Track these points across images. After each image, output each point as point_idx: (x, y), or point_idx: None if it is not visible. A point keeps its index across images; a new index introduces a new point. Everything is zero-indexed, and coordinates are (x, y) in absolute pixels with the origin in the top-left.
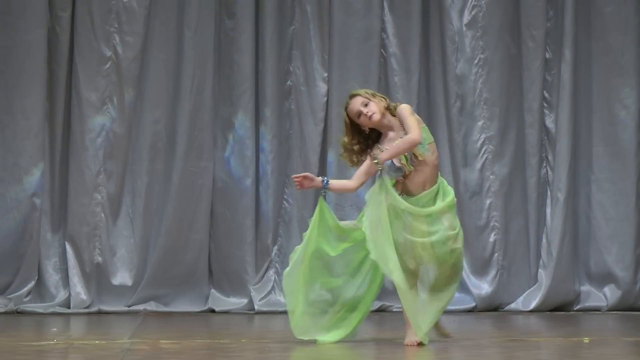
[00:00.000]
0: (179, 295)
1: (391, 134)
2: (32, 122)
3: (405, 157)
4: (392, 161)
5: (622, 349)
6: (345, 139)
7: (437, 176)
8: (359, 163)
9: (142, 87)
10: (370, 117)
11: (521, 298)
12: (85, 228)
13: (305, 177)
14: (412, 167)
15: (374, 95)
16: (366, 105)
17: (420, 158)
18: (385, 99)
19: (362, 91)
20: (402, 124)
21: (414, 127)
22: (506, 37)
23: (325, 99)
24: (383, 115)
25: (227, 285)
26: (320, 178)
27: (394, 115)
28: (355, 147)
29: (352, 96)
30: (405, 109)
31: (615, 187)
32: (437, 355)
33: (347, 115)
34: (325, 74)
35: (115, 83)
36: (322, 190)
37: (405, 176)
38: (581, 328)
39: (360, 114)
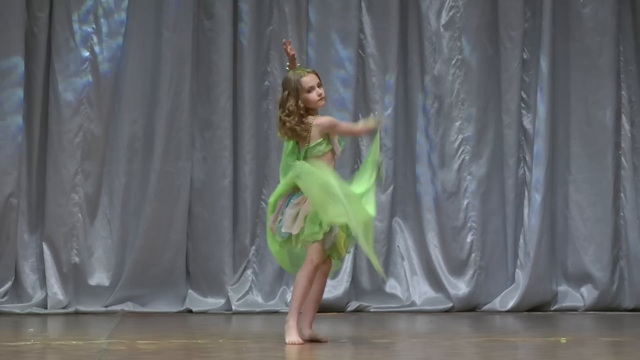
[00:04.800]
0: (157, 296)
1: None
2: (9, 122)
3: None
4: None
5: (599, 349)
6: (292, 103)
7: None
8: (289, 132)
9: (119, 88)
10: (322, 99)
11: (498, 298)
12: (62, 228)
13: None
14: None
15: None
16: (319, 86)
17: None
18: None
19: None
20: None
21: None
22: (484, 38)
23: None
24: None
25: (204, 285)
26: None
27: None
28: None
29: (312, 72)
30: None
31: (592, 187)
32: (415, 356)
33: (300, 83)
34: None
35: (93, 83)
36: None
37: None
38: (558, 328)
39: (313, 89)
